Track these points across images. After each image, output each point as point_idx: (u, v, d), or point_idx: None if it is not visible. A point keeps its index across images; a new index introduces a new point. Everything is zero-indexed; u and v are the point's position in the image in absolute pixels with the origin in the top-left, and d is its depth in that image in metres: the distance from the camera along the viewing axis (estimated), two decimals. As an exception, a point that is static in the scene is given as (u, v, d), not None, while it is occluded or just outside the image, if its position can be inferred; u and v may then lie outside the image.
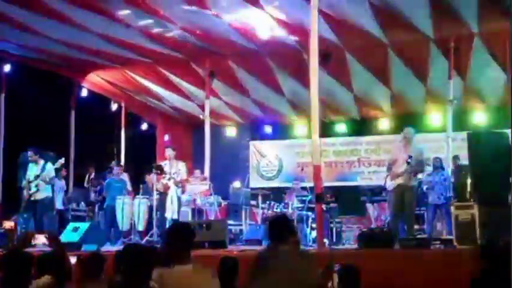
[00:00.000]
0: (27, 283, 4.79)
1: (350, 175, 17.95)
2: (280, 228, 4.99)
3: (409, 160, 10.03)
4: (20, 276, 4.70)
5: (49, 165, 11.80)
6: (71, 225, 11.50)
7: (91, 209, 14.71)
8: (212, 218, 12.99)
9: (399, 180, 10.20)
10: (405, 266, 6.74)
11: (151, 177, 12.34)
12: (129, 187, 13.85)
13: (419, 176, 12.27)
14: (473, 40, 12.82)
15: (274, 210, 13.21)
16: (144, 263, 3.98)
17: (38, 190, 11.59)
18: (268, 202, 13.61)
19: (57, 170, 12.33)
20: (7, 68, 14.89)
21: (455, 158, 13.02)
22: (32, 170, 11.75)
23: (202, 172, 14.60)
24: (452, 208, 9.91)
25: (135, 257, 3.98)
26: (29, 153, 11.86)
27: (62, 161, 12.22)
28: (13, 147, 14.56)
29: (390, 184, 10.38)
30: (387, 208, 11.37)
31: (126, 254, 4.10)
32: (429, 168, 12.10)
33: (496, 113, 15.50)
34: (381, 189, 13.03)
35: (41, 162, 11.78)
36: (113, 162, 14.83)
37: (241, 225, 13.19)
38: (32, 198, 11.63)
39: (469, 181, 10.06)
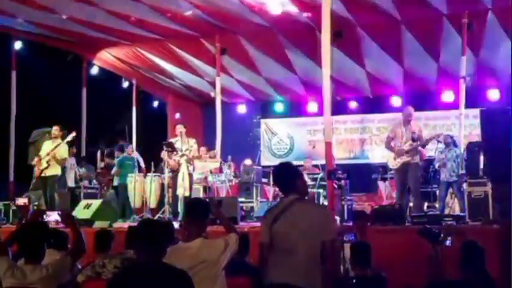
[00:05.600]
0: (41, 258, 4.82)
1: (362, 153, 17.92)
2: (287, 175, 4.63)
3: (414, 136, 10.19)
4: (33, 251, 4.74)
5: (64, 145, 11.82)
6: (82, 203, 11.55)
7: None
8: (223, 195, 13.03)
9: (405, 158, 10.20)
10: (416, 242, 6.70)
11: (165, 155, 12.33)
12: (142, 164, 13.86)
13: (432, 153, 12.30)
14: (486, 16, 12.68)
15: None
16: (159, 239, 3.92)
17: (48, 166, 11.62)
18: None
19: (69, 144, 12.34)
20: (18, 45, 14.87)
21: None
22: (46, 146, 11.79)
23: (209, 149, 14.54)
24: (465, 185, 9.89)
25: (150, 232, 3.92)
26: (55, 127, 11.88)
27: (73, 134, 12.20)
28: (24, 125, 14.59)
29: (395, 163, 10.38)
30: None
31: (141, 230, 4.01)
32: (441, 146, 12.02)
33: (509, 90, 15.35)
34: (387, 169, 13.03)
35: (58, 141, 11.81)
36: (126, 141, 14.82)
37: (252, 202, 13.22)
38: (43, 175, 11.68)
39: (481, 158, 10.00)
